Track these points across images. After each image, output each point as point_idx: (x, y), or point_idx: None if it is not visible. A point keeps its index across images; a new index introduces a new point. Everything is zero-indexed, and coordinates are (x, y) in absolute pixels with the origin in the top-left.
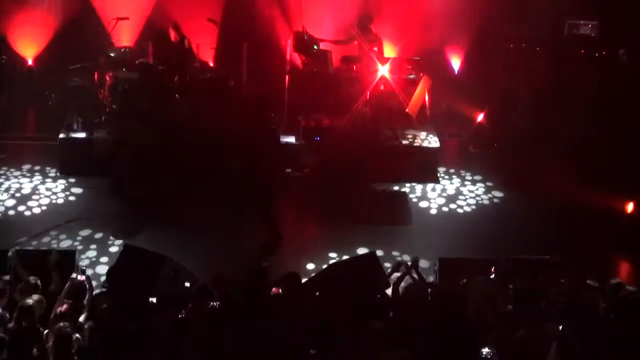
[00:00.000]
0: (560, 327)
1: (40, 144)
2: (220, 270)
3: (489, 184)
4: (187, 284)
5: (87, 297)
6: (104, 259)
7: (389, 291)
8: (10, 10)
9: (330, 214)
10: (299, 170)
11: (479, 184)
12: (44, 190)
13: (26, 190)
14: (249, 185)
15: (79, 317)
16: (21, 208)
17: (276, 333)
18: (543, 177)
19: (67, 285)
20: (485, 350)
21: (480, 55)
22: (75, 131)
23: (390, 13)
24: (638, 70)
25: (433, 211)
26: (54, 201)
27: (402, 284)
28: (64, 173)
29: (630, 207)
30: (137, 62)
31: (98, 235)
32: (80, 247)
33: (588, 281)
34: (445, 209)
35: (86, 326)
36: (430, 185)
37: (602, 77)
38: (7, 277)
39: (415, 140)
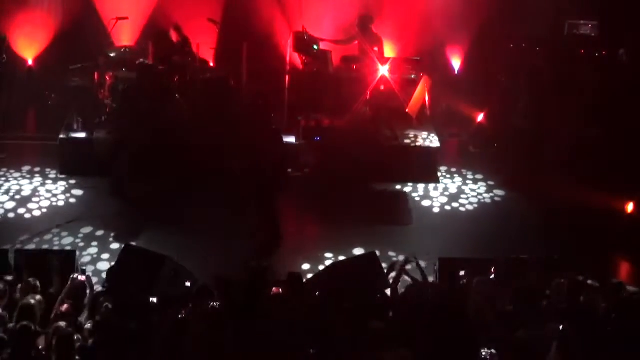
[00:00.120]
0: (561, 327)
1: (40, 144)
2: (220, 270)
3: (490, 182)
4: (188, 284)
5: (87, 297)
6: (105, 256)
7: (389, 291)
8: (10, 11)
9: (330, 214)
10: (299, 170)
11: (480, 183)
12: (44, 192)
13: (26, 192)
14: (251, 185)
15: (79, 317)
16: (21, 210)
17: (276, 333)
18: (543, 177)
19: (67, 286)
20: (485, 351)
21: (480, 55)
22: (76, 131)
23: (390, 13)
24: (638, 70)
25: (433, 211)
26: (54, 203)
27: (401, 284)
28: (64, 173)
29: (630, 207)
30: (137, 62)
31: (99, 233)
32: (82, 244)
33: (588, 281)
34: (446, 208)
35: (86, 326)
36: (430, 185)
37: (602, 77)
38: (9, 278)
39: (415, 140)
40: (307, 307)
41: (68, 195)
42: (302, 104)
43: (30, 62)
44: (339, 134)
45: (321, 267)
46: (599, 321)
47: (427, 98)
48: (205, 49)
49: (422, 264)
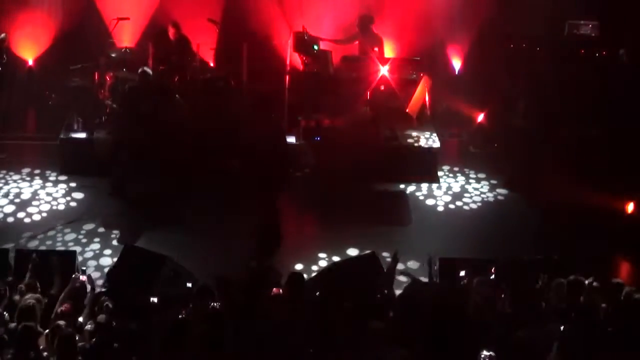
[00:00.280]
0: (561, 327)
1: (40, 144)
2: (220, 270)
3: (491, 182)
4: (189, 284)
5: (87, 297)
6: (107, 252)
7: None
8: (11, 11)
9: (330, 214)
10: (299, 170)
11: (481, 183)
12: (44, 196)
13: (26, 195)
14: (253, 185)
15: (79, 318)
16: (21, 215)
17: (276, 333)
18: (543, 177)
19: (68, 286)
20: (484, 353)
21: (480, 55)
22: (76, 131)
23: (390, 13)
24: (638, 70)
25: (433, 211)
26: (54, 207)
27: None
28: (64, 173)
29: (630, 207)
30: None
31: (101, 230)
32: (84, 241)
33: (588, 281)
34: (446, 208)
35: (87, 327)
36: (430, 185)
37: (602, 77)
38: (9, 279)
39: (415, 140)
40: (307, 307)
41: (68, 198)
42: (302, 104)
43: (30, 62)
44: (339, 134)
45: (315, 267)
46: (599, 321)
47: (427, 98)
48: (205, 49)
49: (416, 264)
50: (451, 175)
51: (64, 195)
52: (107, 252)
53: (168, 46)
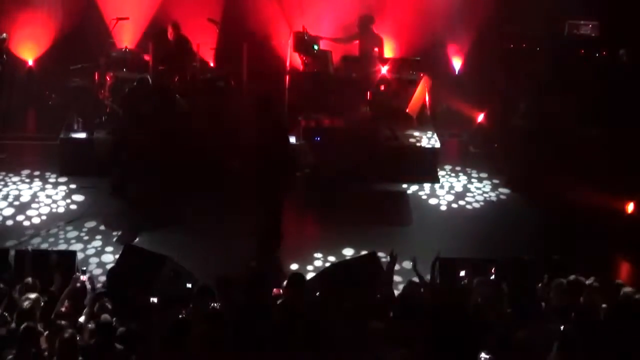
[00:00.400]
0: (561, 327)
1: (40, 144)
2: (220, 270)
3: (495, 181)
4: (189, 285)
5: (87, 297)
6: (109, 249)
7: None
8: (11, 11)
9: (329, 214)
10: (299, 170)
11: (480, 183)
12: (44, 198)
13: (25, 197)
14: (255, 185)
15: (79, 318)
16: (20, 217)
17: (276, 333)
18: (543, 177)
19: (68, 286)
20: (484, 356)
21: (480, 55)
22: (76, 131)
23: (390, 13)
24: (638, 70)
25: (434, 211)
26: (54, 210)
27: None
28: (64, 173)
29: (630, 207)
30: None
31: (102, 227)
32: (86, 238)
33: (588, 281)
34: (447, 207)
35: (87, 326)
36: (431, 185)
37: (602, 77)
38: (9, 278)
39: (416, 140)
40: (307, 307)
41: (68, 201)
42: (302, 104)
43: (30, 62)
44: (339, 134)
45: (312, 267)
46: (599, 321)
47: (427, 98)
48: (206, 49)
49: (410, 264)
50: (453, 174)
51: (64, 198)
52: (109, 249)
53: (168, 46)
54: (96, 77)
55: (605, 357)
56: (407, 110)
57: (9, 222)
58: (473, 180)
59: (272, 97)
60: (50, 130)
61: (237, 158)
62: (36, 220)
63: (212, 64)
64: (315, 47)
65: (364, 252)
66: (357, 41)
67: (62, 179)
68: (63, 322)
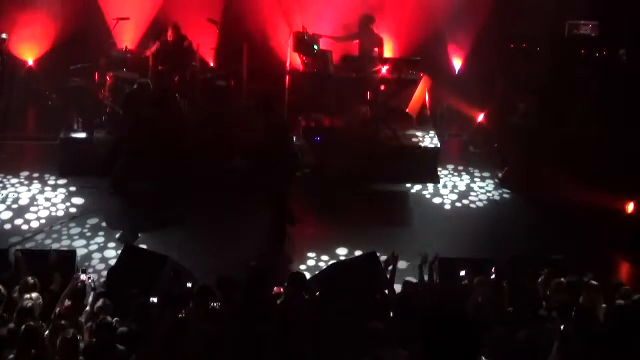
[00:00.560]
0: (561, 327)
1: (40, 144)
2: (220, 270)
3: (497, 181)
4: (189, 284)
5: (87, 297)
6: (112, 244)
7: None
8: (12, 12)
9: (330, 214)
10: (299, 170)
11: (487, 181)
12: (43, 202)
13: (24, 200)
14: (258, 185)
15: (79, 318)
16: (19, 222)
17: (276, 333)
18: (543, 177)
19: (68, 286)
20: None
21: (480, 55)
22: (76, 131)
23: (390, 12)
24: (638, 70)
25: (435, 211)
26: (53, 213)
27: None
28: (64, 173)
29: (630, 207)
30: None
31: (104, 224)
32: (89, 234)
33: (588, 281)
34: (451, 207)
35: (87, 326)
36: (431, 185)
37: (602, 77)
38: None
39: (415, 140)
40: (307, 307)
41: (68, 204)
42: (302, 104)
43: (31, 62)
44: (339, 134)
45: (308, 268)
46: (599, 321)
47: (427, 98)
48: (206, 49)
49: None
50: (456, 174)
51: (64, 201)
52: (112, 245)
53: (168, 47)
54: (96, 77)
55: (605, 357)
56: (407, 110)
57: (7, 226)
58: (476, 179)
59: (272, 97)
60: (51, 130)
61: (238, 157)
62: (35, 225)
63: (212, 64)
64: (316, 47)
65: (361, 253)
66: (357, 41)
67: (62, 181)
68: (63, 322)
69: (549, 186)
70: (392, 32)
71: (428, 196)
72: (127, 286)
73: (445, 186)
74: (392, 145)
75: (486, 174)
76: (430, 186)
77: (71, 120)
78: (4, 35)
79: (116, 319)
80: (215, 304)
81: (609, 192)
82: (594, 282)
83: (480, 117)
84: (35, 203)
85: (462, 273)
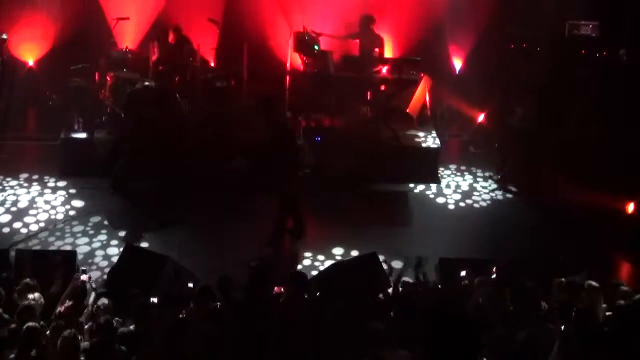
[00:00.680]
0: (562, 327)
1: (41, 145)
2: (220, 270)
3: (490, 182)
4: (190, 285)
5: (88, 297)
6: (114, 242)
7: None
8: (12, 12)
9: (329, 214)
10: (299, 170)
11: (479, 184)
12: (42, 204)
13: (23, 203)
14: (259, 185)
15: (79, 318)
16: (17, 225)
17: (276, 333)
18: (543, 177)
19: (69, 286)
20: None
21: (481, 55)
22: (76, 131)
23: (391, 12)
24: (638, 70)
25: (436, 211)
26: (52, 216)
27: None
28: (65, 173)
29: (630, 207)
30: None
31: (107, 222)
32: (91, 232)
33: (588, 281)
34: (446, 207)
35: (87, 326)
36: (431, 185)
37: (602, 77)
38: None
39: (415, 140)
40: (307, 307)
41: (67, 207)
42: (302, 104)
43: (31, 62)
44: (339, 134)
45: (313, 267)
46: (599, 321)
47: (427, 98)
48: (206, 49)
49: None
50: (458, 174)
51: (63, 203)
52: (114, 242)
53: (169, 47)
54: (97, 77)
55: (605, 357)
56: (407, 110)
57: (6, 230)
58: (479, 179)
59: (272, 97)
60: (51, 131)
61: (238, 157)
62: (34, 228)
63: (212, 64)
64: (316, 47)
65: (362, 253)
66: (357, 40)
67: (61, 183)
68: (63, 322)
69: (549, 186)
70: (392, 32)
71: (431, 196)
72: (127, 286)
73: (448, 186)
74: (392, 145)
75: (488, 174)
76: (433, 186)
77: (71, 121)
78: (4, 36)
79: (116, 319)
80: (216, 304)
81: (609, 192)
82: (594, 282)
83: (481, 117)
84: (35, 205)
85: (463, 273)
